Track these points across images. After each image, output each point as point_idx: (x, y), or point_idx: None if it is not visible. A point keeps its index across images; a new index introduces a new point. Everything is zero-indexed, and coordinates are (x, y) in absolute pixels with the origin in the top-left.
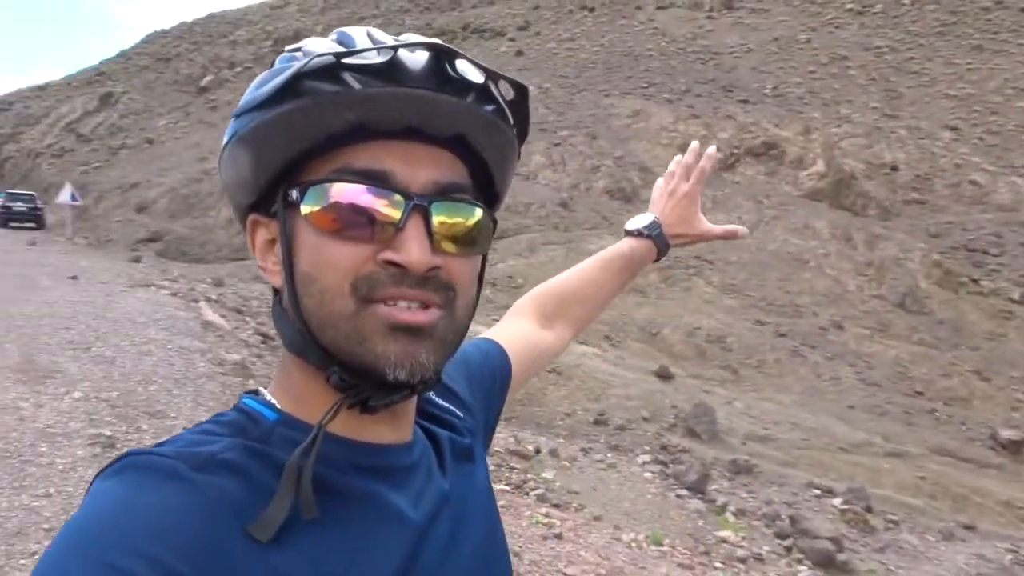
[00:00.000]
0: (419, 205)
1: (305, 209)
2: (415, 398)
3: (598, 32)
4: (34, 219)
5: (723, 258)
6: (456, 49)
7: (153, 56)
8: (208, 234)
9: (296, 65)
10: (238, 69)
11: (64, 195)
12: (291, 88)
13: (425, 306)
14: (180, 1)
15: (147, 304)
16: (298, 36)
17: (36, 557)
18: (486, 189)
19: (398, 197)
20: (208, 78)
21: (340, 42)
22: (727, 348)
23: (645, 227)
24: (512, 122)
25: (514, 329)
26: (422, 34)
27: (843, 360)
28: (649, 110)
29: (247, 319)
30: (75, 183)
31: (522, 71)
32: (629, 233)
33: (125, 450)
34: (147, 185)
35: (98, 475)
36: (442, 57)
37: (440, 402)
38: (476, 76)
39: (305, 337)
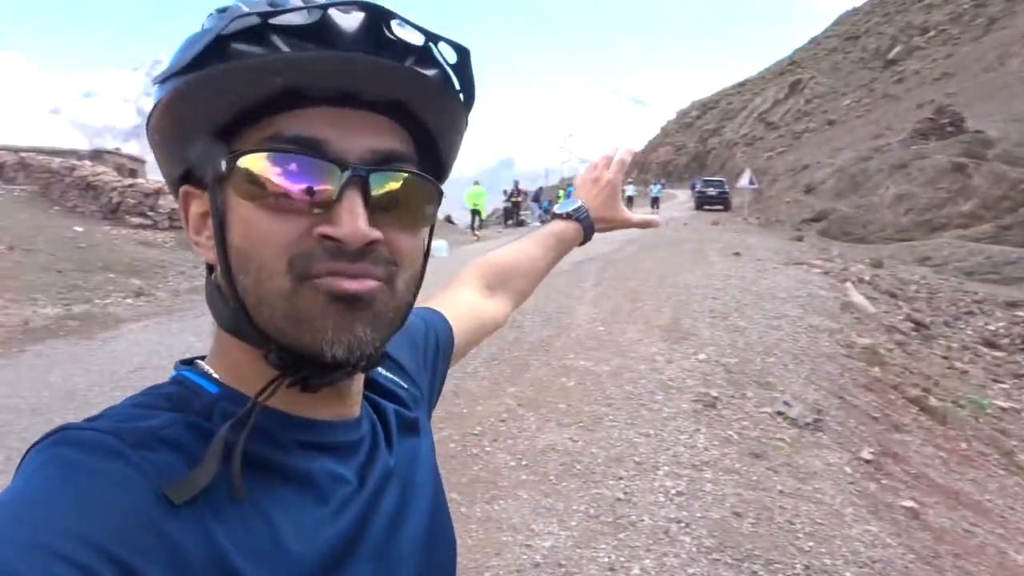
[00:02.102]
0: (356, 175)
1: (235, 181)
2: (361, 375)
3: None
4: (722, 202)
5: None
6: (392, 10)
7: (841, 36)
8: (873, 213)
9: (218, 26)
10: (931, 33)
11: (744, 180)
12: (214, 51)
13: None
14: None
15: (792, 281)
16: None
17: (620, 481)
18: (431, 158)
19: (334, 167)
20: (896, 49)
21: (271, 1)
22: None
23: (574, 210)
24: (457, 87)
25: (459, 298)
26: None
27: None
28: None
29: (900, 303)
30: (756, 169)
31: None
32: (558, 216)
33: (714, 410)
34: (817, 166)
35: (31, 447)
36: (377, 17)
37: (386, 373)
38: (415, 38)
39: (240, 315)
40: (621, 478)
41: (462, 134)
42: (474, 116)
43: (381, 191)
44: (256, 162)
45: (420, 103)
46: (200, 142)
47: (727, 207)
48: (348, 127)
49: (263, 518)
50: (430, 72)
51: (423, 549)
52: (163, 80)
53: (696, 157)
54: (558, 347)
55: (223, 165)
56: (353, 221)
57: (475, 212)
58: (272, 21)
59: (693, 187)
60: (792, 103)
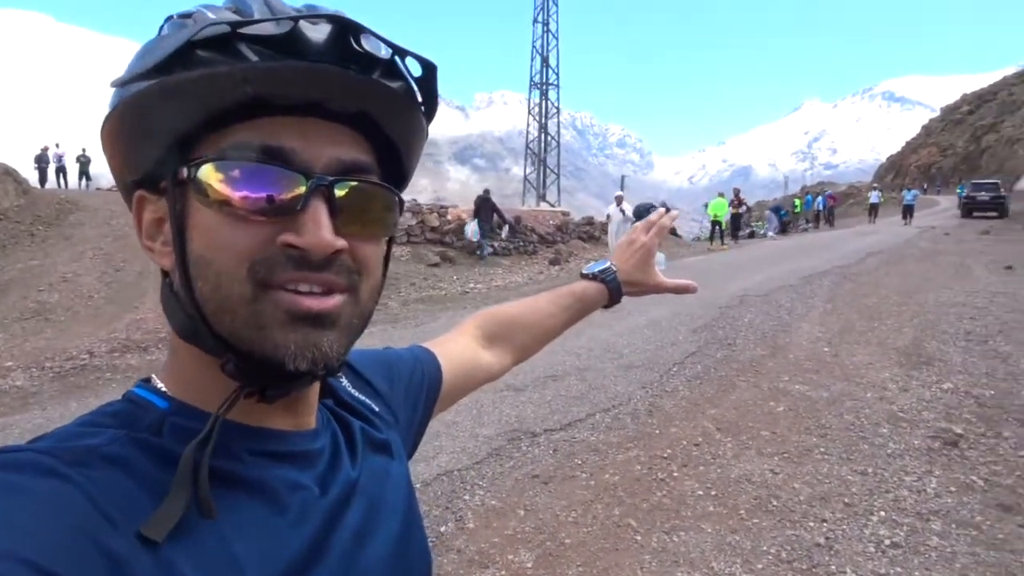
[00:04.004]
0: (321, 185)
1: (197, 188)
2: (317, 384)
3: None
4: (995, 207)
5: None
6: (360, 23)
7: None
8: None
9: (186, 33)
10: None
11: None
12: (182, 58)
13: (328, 291)
14: None
15: None
16: None
17: (823, 523)
18: (392, 168)
19: (299, 176)
20: None
21: (236, 10)
22: None
23: (600, 271)
24: (420, 100)
25: (454, 344)
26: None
27: None
28: None
29: None
30: None
31: None
32: (584, 276)
33: (956, 450)
34: None
35: None
36: (346, 30)
37: (356, 394)
38: (382, 51)
39: (198, 323)
40: (825, 520)
41: (422, 144)
42: (708, 122)
43: (345, 201)
44: (220, 169)
45: (384, 115)
46: (160, 147)
47: (1003, 213)
48: (313, 137)
49: (218, 532)
50: (395, 84)
51: (391, 573)
52: (123, 83)
53: (966, 158)
54: (771, 368)
55: (185, 172)
56: (318, 231)
57: (716, 223)
58: (242, 31)
59: (961, 192)
60: None
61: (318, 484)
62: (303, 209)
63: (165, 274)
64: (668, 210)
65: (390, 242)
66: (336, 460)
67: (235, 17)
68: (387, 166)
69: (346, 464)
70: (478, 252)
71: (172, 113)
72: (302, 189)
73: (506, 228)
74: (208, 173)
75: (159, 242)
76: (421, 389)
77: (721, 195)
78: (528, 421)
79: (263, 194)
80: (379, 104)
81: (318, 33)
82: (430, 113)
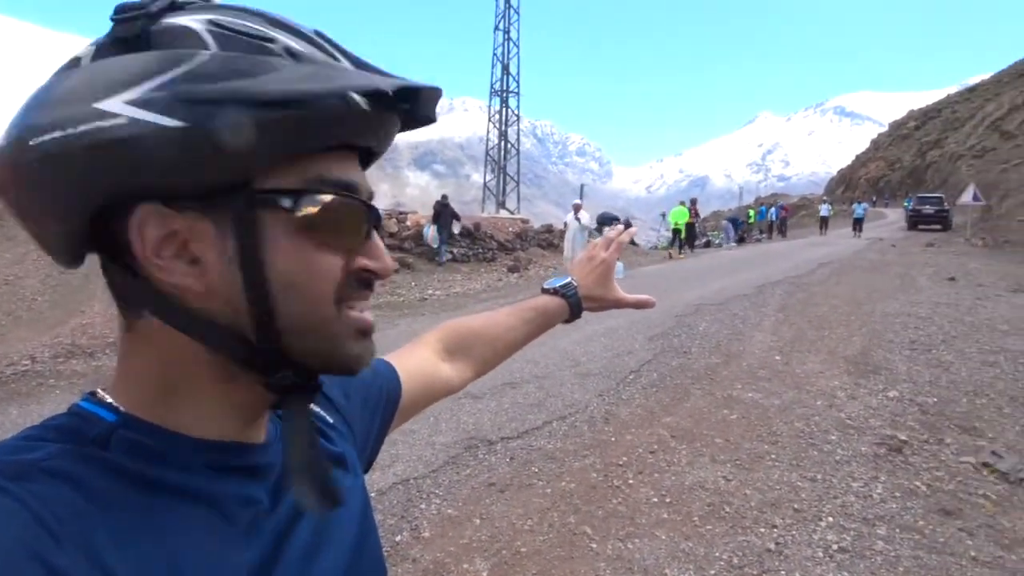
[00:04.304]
0: (376, 215)
1: (298, 215)
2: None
3: None
4: (939, 220)
5: None
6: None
7: None
8: None
9: (391, 82)
10: None
11: (967, 195)
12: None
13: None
14: None
15: (1019, 311)
16: None
17: (773, 529)
18: None
19: (365, 208)
20: None
21: (277, 24)
22: None
23: (561, 287)
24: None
25: (414, 356)
26: None
27: None
28: None
29: None
30: (986, 183)
31: None
32: (545, 291)
33: (900, 456)
34: None
35: None
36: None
37: (313, 406)
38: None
39: (255, 343)
40: (775, 526)
41: None
42: (666, 132)
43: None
44: (316, 201)
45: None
46: (228, 170)
47: (946, 226)
48: (356, 169)
49: (166, 547)
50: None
51: None
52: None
53: (912, 172)
54: (725, 376)
55: (286, 202)
56: (384, 256)
57: (676, 232)
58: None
59: (907, 205)
60: None
61: (269, 497)
62: (368, 237)
63: (158, 292)
64: (628, 226)
65: None
66: (287, 475)
67: (386, 77)
68: None
69: None
70: (437, 258)
71: (272, 141)
72: (367, 219)
73: (458, 225)
74: (307, 203)
75: (167, 259)
76: (379, 401)
77: (682, 203)
78: (485, 429)
79: (345, 224)
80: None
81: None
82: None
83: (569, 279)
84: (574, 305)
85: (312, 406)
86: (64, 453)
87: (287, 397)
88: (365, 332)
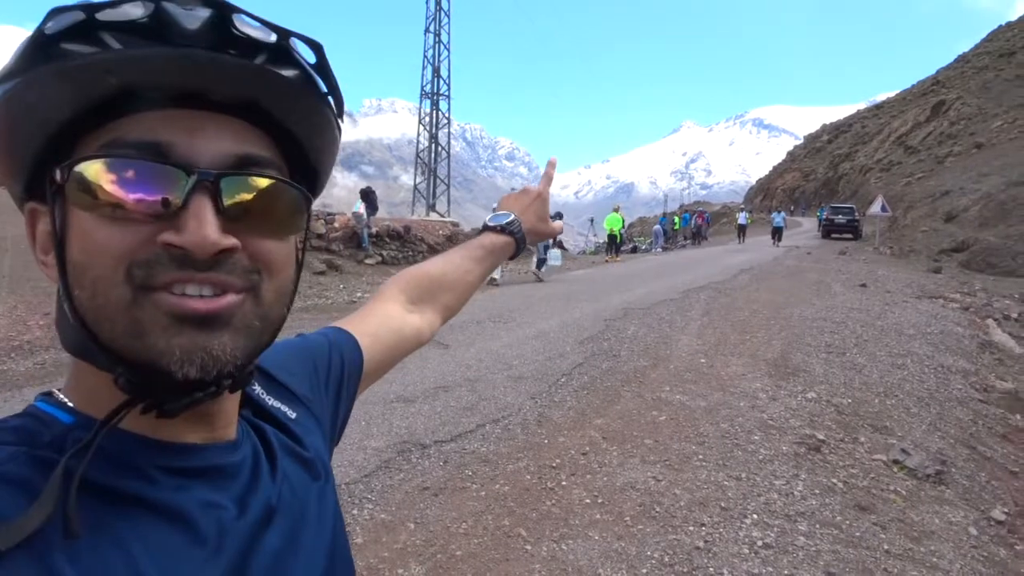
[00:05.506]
0: (204, 180)
1: (71, 190)
2: (237, 394)
3: None
4: (851, 230)
5: None
6: (237, 5)
7: (993, 54)
8: None
9: (40, 25)
10: None
11: (875, 207)
12: (40, 53)
13: (221, 291)
14: None
15: (924, 316)
16: None
17: (702, 527)
18: (300, 164)
19: (179, 172)
20: None
21: None
22: None
23: (507, 223)
24: (325, 88)
25: (376, 313)
26: None
27: None
28: None
29: None
30: (892, 195)
31: None
32: (489, 228)
33: (819, 455)
34: (960, 193)
35: None
36: (220, 11)
37: (272, 403)
38: (263, 34)
39: (83, 336)
40: (703, 525)
41: (333, 138)
42: (593, 139)
43: (235, 197)
44: (91, 169)
45: (277, 104)
46: (32, 151)
47: (857, 236)
48: (197, 130)
49: (125, 558)
50: (288, 72)
51: None
52: None
53: (826, 183)
54: (654, 379)
55: (57, 174)
56: (200, 228)
57: (612, 237)
58: (100, 16)
59: (821, 215)
60: (935, 125)
61: (236, 503)
62: (184, 206)
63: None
64: (560, 217)
65: (305, 242)
66: (256, 475)
67: (94, 1)
68: (294, 163)
69: (266, 479)
70: (363, 245)
71: (38, 112)
72: (182, 186)
73: (373, 215)
74: (80, 173)
75: (51, 256)
76: (341, 376)
77: (616, 210)
78: (418, 432)
79: (134, 195)
80: (268, 92)
81: (190, 17)
82: (337, 102)
83: (512, 216)
84: (519, 241)
85: (271, 400)
86: (19, 458)
87: (161, 402)
88: (186, 319)
